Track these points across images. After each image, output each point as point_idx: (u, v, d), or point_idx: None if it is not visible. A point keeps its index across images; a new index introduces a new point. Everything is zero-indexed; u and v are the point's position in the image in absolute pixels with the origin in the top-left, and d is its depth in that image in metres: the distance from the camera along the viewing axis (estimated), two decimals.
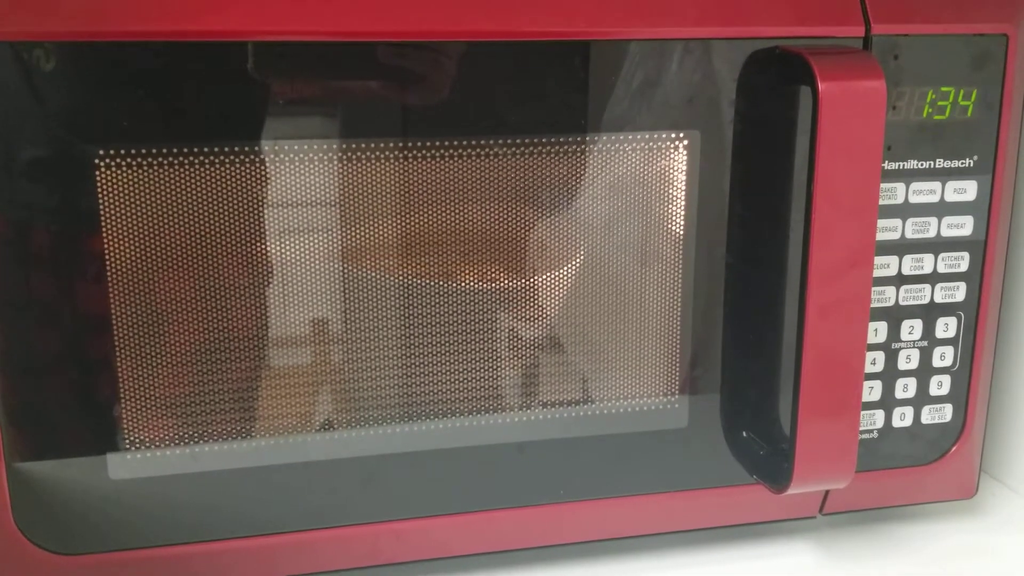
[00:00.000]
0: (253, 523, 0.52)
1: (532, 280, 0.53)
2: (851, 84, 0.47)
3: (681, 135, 0.52)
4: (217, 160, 0.47)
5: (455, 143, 0.49)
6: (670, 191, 0.53)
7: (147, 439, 0.49)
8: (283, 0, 0.46)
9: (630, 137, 0.51)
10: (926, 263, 0.55)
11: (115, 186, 0.46)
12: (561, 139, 0.50)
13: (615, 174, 0.52)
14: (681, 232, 0.53)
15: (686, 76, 0.51)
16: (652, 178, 0.52)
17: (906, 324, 0.56)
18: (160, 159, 0.46)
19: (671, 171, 0.52)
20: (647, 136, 0.51)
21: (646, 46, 0.50)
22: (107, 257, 0.47)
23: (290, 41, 0.46)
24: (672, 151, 0.52)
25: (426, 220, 0.50)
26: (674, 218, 0.53)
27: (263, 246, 0.49)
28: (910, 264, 0.55)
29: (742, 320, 0.55)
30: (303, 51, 0.47)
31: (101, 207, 0.46)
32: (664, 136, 0.52)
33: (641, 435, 0.55)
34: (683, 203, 0.53)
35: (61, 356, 0.48)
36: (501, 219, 0.51)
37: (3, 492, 0.48)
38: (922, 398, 0.57)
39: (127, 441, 0.49)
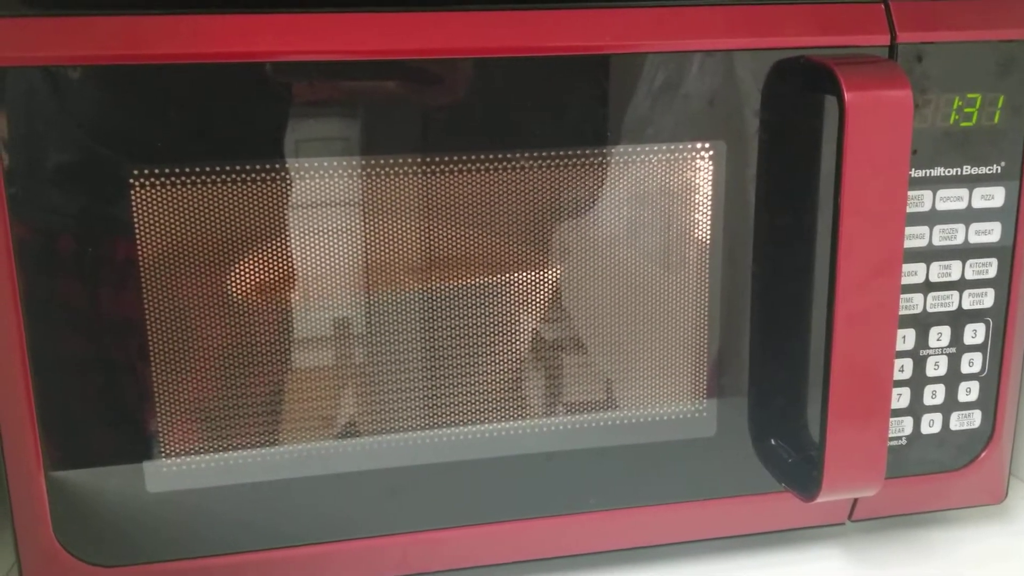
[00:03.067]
0: (286, 535, 0.52)
1: (560, 291, 0.53)
2: (877, 94, 0.47)
3: (707, 145, 0.52)
4: (249, 178, 0.48)
5: (485, 157, 0.50)
6: (696, 200, 0.53)
7: (182, 448, 0.50)
8: (311, 22, 0.47)
9: (656, 148, 0.52)
10: (954, 270, 0.55)
11: (149, 203, 0.47)
12: (588, 151, 0.51)
13: (641, 184, 0.52)
14: (708, 241, 0.53)
15: (711, 86, 0.51)
16: (678, 188, 0.53)
17: (934, 331, 0.56)
18: (192, 177, 0.47)
19: (697, 180, 0.53)
20: (673, 146, 0.52)
21: (671, 58, 0.50)
22: (141, 270, 0.48)
23: (318, 61, 0.47)
24: (698, 161, 0.52)
25: (453, 233, 0.51)
26: (701, 227, 0.53)
27: (293, 260, 0.50)
28: (938, 271, 0.55)
29: (769, 328, 0.55)
30: (330, 71, 0.48)
31: (136, 223, 0.47)
32: (690, 146, 0.52)
33: (670, 444, 0.55)
34: (709, 212, 0.53)
35: (97, 366, 0.49)
36: (528, 231, 0.51)
37: (43, 505, 0.49)
38: (951, 404, 0.57)
39: (162, 450, 0.50)
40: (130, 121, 0.46)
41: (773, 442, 0.56)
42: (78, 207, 0.47)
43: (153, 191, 0.47)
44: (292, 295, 0.50)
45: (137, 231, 0.47)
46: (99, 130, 0.46)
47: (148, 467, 0.50)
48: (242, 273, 0.49)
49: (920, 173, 0.53)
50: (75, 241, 0.47)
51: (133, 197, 0.47)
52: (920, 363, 0.56)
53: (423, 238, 0.51)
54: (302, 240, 0.49)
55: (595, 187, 0.52)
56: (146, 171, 0.46)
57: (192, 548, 0.51)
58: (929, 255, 0.55)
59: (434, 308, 0.52)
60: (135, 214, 0.47)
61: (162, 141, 0.47)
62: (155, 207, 0.47)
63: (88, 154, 0.46)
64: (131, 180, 0.46)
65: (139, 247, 0.48)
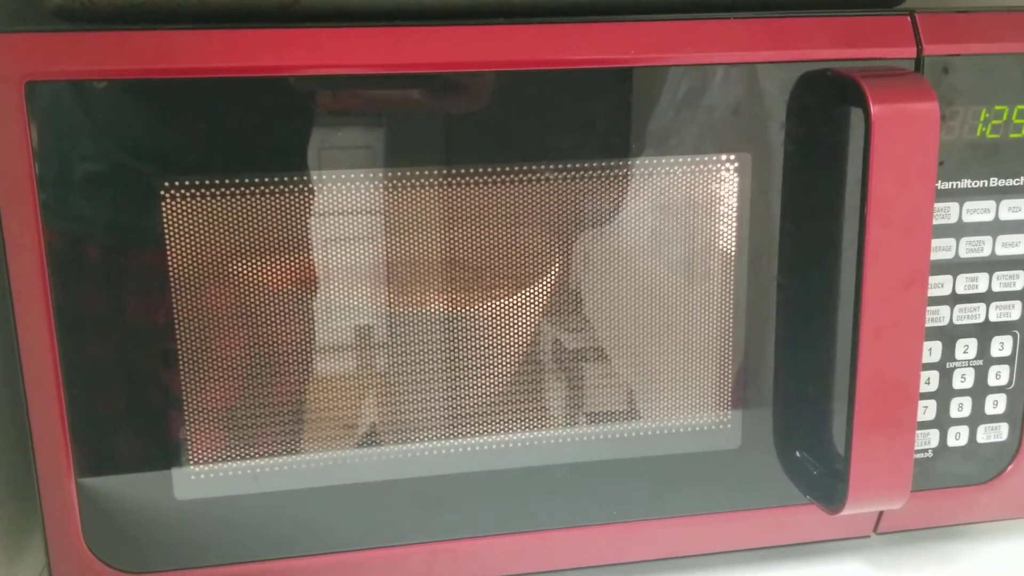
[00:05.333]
0: (313, 543, 0.53)
1: (584, 303, 0.53)
2: (904, 106, 0.47)
3: (732, 157, 0.52)
4: (277, 189, 0.48)
5: (508, 169, 0.50)
6: (722, 212, 0.53)
7: (210, 456, 0.51)
8: (338, 36, 0.47)
9: (681, 160, 0.52)
10: (981, 282, 0.55)
11: (179, 214, 0.48)
12: (613, 163, 0.51)
13: (667, 196, 0.52)
14: (733, 253, 0.53)
15: (737, 99, 0.51)
16: (704, 200, 0.53)
17: (961, 343, 0.56)
18: (222, 189, 0.48)
19: (723, 193, 0.53)
20: (698, 159, 0.52)
21: (696, 70, 0.51)
22: (171, 280, 0.48)
23: (344, 75, 0.48)
24: (723, 173, 0.52)
25: (477, 244, 0.51)
26: (726, 239, 0.53)
27: (319, 269, 0.50)
28: (964, 283, 0.55)
29: (795, 340, 0.55)
30: (357, 84, 0.48)
31: (166, 234, 0.48)
32: (715, 158, 0.52)
33: (695, 455, 0.55)
34: (735, 224, 0.53)
35: (127, 374, 0.49)
36: (552, 243, 0.52)
37: (73, 511, 0.50)
38: (977, 417, 0.57)
39: (191, 458, 0.50)
40: (161, 134, 0.47)
41: (798, 454, 0.56)
42: (110, 218, 0.47)
43: (184, 202, 0.47)
44: (318, 304, 0.51)
45: (168, 242, 0.48)
46: (130, 143, 0.47)
47: (177, 474, 0.50)
48: (269, 283, 0.50)
49: (947, 185, 0.53)
50: (106, 251, 0.48)
51: (164, 208, 0.47)
52: (947, 375, 0.56)
53: (447, 249, 0.51)
54: (328, 250, 0.50)
55: (620, 199, 0.52)
56: (176, 183, 0.47)
57: (219, 555, 0.52)
58: (956, 267, 0.54)
59: (458, 318, 0.52)
60: (166, 225, 0.48)
61: (192, 154, 0.47)
62: (185, 218, 0.48)
63: (119, 166, 0.47)
64: (162, 192, 0.47)
65: (169, 258, 0.48)
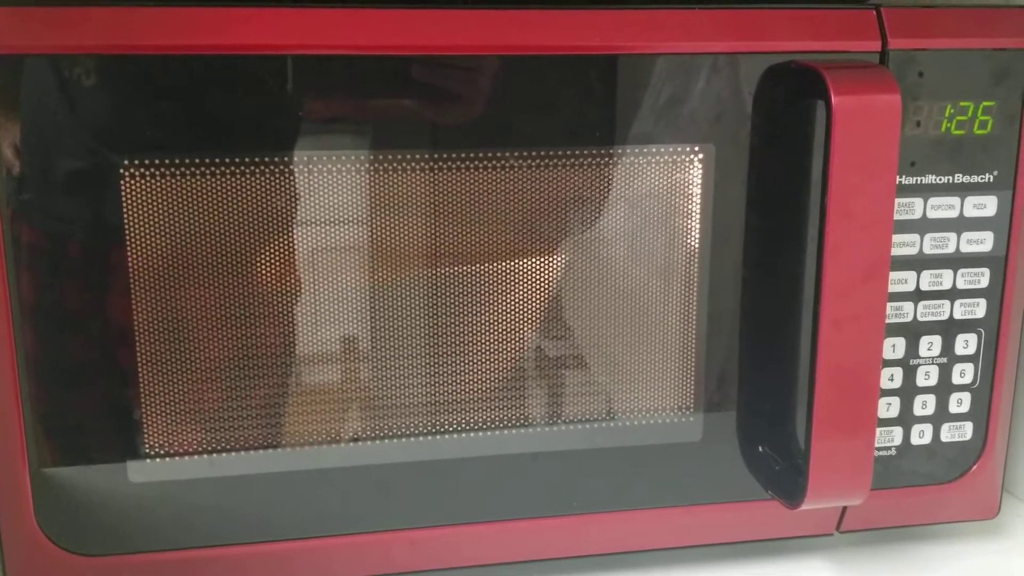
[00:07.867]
0: (268, 529, 0.52)
1: (547, 294, 0.53)
2: (865, 98, 0.47)
3: (696, 149, 0.52)
4: (239, 171, 0.48)
5: (481, 155, 0.50)
6: (686, 204, 0.53)
7: (167, 447, 0.50)
8: (308, 15, 0.47)
9: (646, 151, 0.52)
10: (945, 279, 0.55)
11: (139, 195, 0.47)
12: (578, 152, 0.51)
13: (631, 187, 0.52)
14: (697, 245, 0.53)
15: (702, 90, 0.51)
16: (668, 191, 0.53)
17: (924, 340, 0.55)
18: (184, 169, 0.47)
19: (687, 184, 0.53)
20: (663, 149, 0.52)
21: (663, 61, 0.50)
22: (130, 266, 0.48)
23: (314, 55, 0.47)
24: (688, 165, 0.52)
25: (452, 231, 0.51)
26: (690, 231, 0.53)
27: (287, 257, 0.50)
28: (928, 280, 0.55)
29: (759, 333, 0.54)
30: (327, 65, 0.48)
31: (125, 216, 0.47)
32: (680, 150, 0.52)
33: (655, 448, 0.55)
34: (698, 216, 0.53)
35: (85, 364, 0.49)
36: (521, 231, 0.51)
37: (26, 494, 0.49)
38: (941, 415, 0.57)
39: (147, 448, 0.50)
40: (122, 111, 0.46)
41: (761, 448, 0.55)
42: (67, 198, 0.47)
43: (144, 182, 0.47)
44: (286, 294, 0.50)
45: (127, 224, 0.47)
46: (90, 120, 0.46)
47: (132, 461, 0.50)
48: (234, 270, 0.49)
49: (911, 180, 0.53)
50: (64, 235, 0.47)
51: (123, 188, 0.47)
52: (910, 372, 0.56)
53: (425, 237, 0.51)
54: (298, 236, 0.50)
55: (580, 188, 0.52)
56: (136, 161, 0.47)
57: (174, 539, 0.51)
58: (920, 263, 0.54)
59: (430, 308, 0.52)
60: (125, 206, 0.47)
61: (154, 131, 0.47)
62: (145, 199, 0.47)
63: (79, 144, 0.46)
64: (121, 171, 0.47)
65: (128, 241, 0.48)
